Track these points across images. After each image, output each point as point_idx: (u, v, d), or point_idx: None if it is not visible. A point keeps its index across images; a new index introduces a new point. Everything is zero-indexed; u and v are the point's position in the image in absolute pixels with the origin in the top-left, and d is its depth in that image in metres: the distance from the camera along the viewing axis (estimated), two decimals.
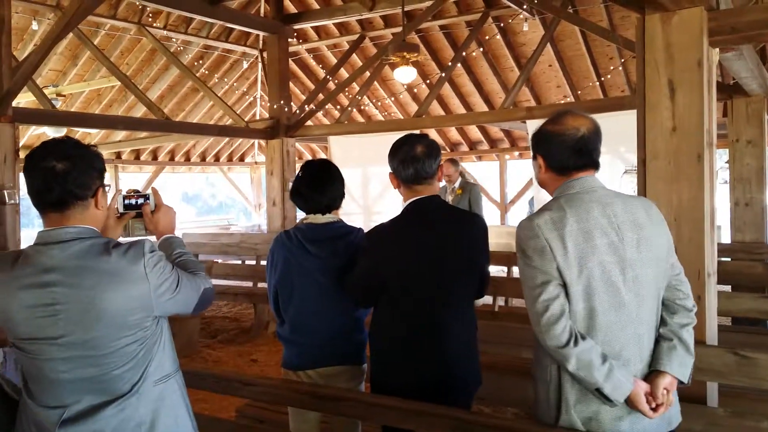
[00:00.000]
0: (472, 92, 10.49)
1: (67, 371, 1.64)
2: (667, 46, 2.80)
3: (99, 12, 7.85)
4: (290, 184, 4.25)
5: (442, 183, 6.38)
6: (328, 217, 2.69)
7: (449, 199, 6.43)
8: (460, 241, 2.34)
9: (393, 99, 11.14)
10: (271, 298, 2.76)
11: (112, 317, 1.64)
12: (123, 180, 12.35)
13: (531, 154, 2.05)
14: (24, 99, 7.53)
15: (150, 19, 8.75)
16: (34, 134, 9.77)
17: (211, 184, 30.42)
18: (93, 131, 9.80)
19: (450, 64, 8.75)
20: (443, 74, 8.47)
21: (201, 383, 2.67)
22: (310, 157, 13.70)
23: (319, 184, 2.67)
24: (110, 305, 1.63)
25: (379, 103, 11.25)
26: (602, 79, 9.21)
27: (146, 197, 1.91)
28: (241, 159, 14.76)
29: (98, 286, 1.62)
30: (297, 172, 2.76)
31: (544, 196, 8.06)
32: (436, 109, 10.71)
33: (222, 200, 34.21)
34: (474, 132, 11.97)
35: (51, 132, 8.96)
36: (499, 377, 3.14)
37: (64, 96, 8.77)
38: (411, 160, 2.32)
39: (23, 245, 5.81)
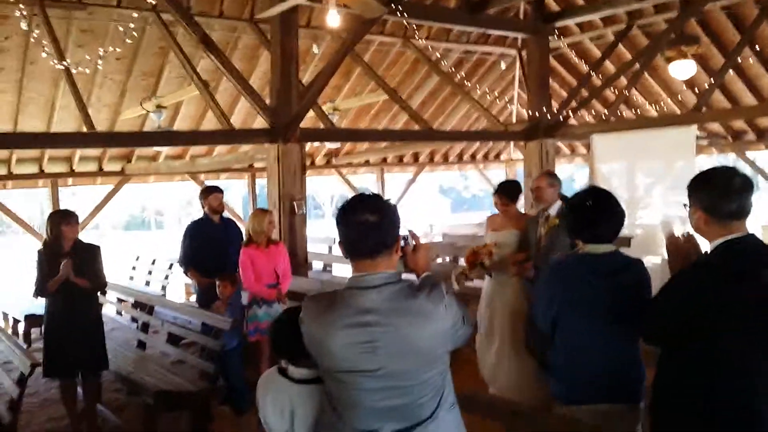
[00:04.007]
0: (762, 75, 9.15)
1: (381, 400, 1.85)
2: None
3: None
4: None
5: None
6: (608, 247, 2.61)
7: (541, 231, 4.54)
8: None
9: (668, 92, 10.16)
10: (545, 326, 2.69)
11: (422, 352, 1.83)
12: (388, 181, 13.17)
13: None
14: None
15: (414, 32, 9.18)
16: (313, 146, 10.86)
17: (465, 177, 31.21)
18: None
19: (736, 47, 7.71)
20: (728, 61, 7.51)
21: (472, 407, 2.70)
22: (569, 154, 13.23)
23: (610, 211, 2.61)
24: (421, 342, 1.82)
25: (654, 99, 10.32)
26: None
27: (405, 238, 2.04)
28: (497, 156, 14.81)
29: (411, 326, 1.82)
30: (576, 201, 2.72)
31: None
32: (717, 97, 9.55)
33: (475, 192, 34.91)
34: (763, 118, 10.39)
35: (328, 145, 9.92)
36: None
37: (340, 111, 9.57)
38: (734, 193, 2.13)
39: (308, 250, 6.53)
